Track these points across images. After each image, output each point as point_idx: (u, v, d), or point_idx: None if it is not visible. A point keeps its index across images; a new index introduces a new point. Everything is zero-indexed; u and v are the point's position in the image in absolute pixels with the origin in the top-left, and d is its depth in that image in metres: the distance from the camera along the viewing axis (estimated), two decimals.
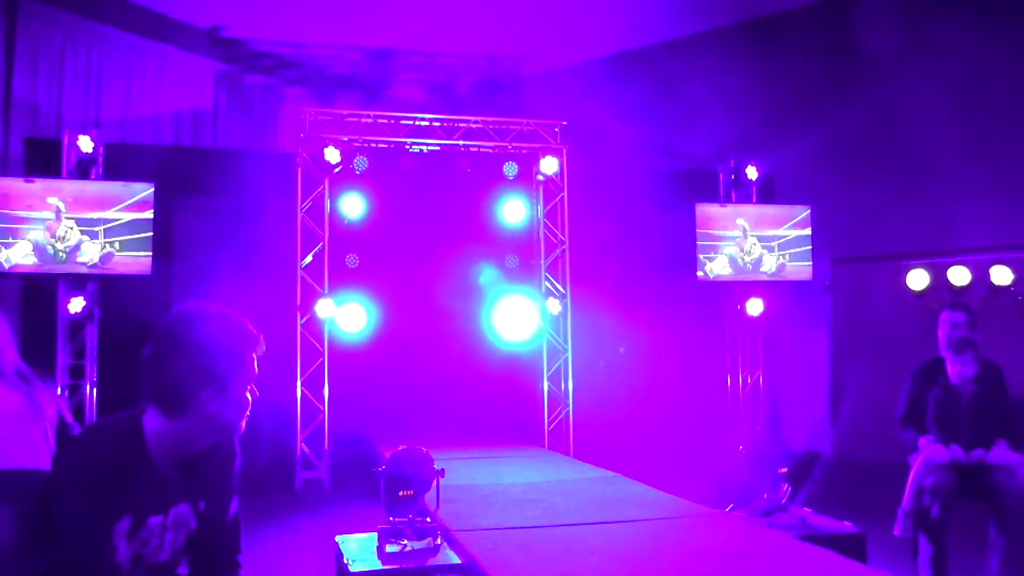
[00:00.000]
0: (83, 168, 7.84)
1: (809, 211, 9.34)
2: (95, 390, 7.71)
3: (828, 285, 9.81)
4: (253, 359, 2.14)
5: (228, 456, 2.29)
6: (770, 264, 9.19)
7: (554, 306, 8.77)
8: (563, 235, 8.96)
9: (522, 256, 9.05)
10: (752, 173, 9.39)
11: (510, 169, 8.70)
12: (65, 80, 9.32)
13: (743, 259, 9.12)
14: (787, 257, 9.25)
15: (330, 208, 8.40)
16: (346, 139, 8.35)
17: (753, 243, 9.15)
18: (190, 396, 2.03)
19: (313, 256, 8.31)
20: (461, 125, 8.73)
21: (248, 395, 2.14)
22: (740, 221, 9.15)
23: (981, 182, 8.76)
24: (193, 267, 8.18)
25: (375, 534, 3.69)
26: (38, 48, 9.08)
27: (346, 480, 8.12)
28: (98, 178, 7.84)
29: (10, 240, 7.36)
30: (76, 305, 7.54)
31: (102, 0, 9.46)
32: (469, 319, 8.77)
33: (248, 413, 2.16)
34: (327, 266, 8.35)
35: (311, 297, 8.20)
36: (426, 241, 8.81)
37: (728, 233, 9.10)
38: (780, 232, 9.26)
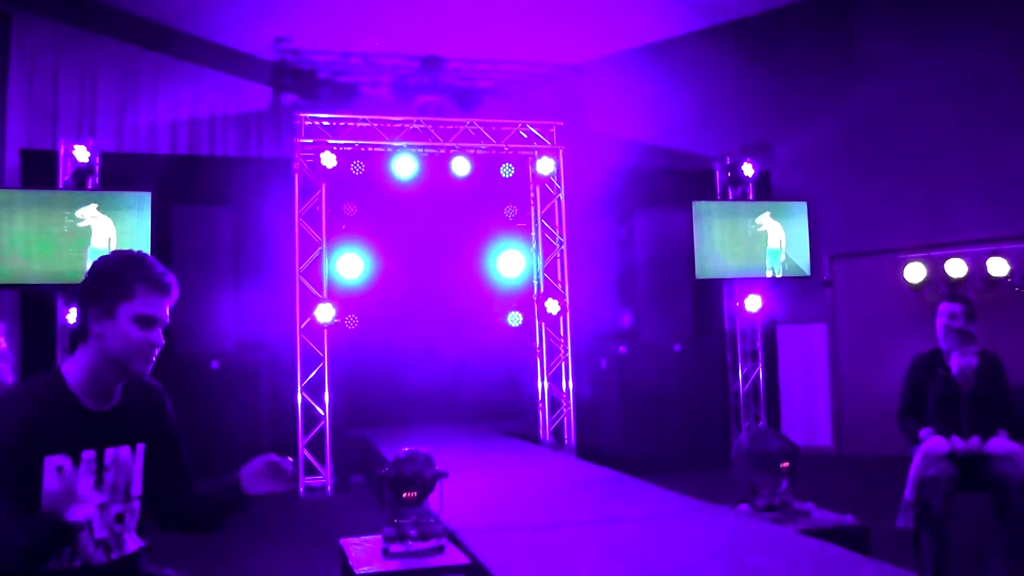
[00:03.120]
0: (80, 178, 7.84)
1: (806, 207, 9.35)
2: None
3: (826, 280, 9.83)
4: (151, 300, 2.23)
5: (158, 402, 2.44)
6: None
7: (553, 306, 8.78)
8: (560, 235, 8.98)
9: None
10: (749, 170, 9.39)
11: (507, 170, 8.72)
12: (60, 90, 9.32)
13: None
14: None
15: (327, 213, 8.41)
16: (342, 143, 8.36)
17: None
18: (84, 318, 2.21)
19: (312, 261, 8.33)
20: (458, 127, 8.75)
21: (137, 332, 2.21)
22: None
23: (977, 175, 8.79)
24: (192, 275, 8.19)
25: (380, 536, 3.69)
26: (33, 59, 9.08)
27: (349, 485, 8.15)
28: (95, 188, 7.84)
29: None
30: (74, 315, 7.54)
31: (96, 10, 9.46)
32: (471, 318, 8.79)
33: (143, 352, 2.23)
34: (326, 271, 8.35)
35: (310, 302, 8.21)
36: (423, 243, 8.83)
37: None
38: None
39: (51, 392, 2.18)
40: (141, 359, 2.25)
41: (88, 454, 2.19)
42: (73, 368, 2.23)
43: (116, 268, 2.24)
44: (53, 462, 2.11)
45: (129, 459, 2.31)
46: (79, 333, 2.24)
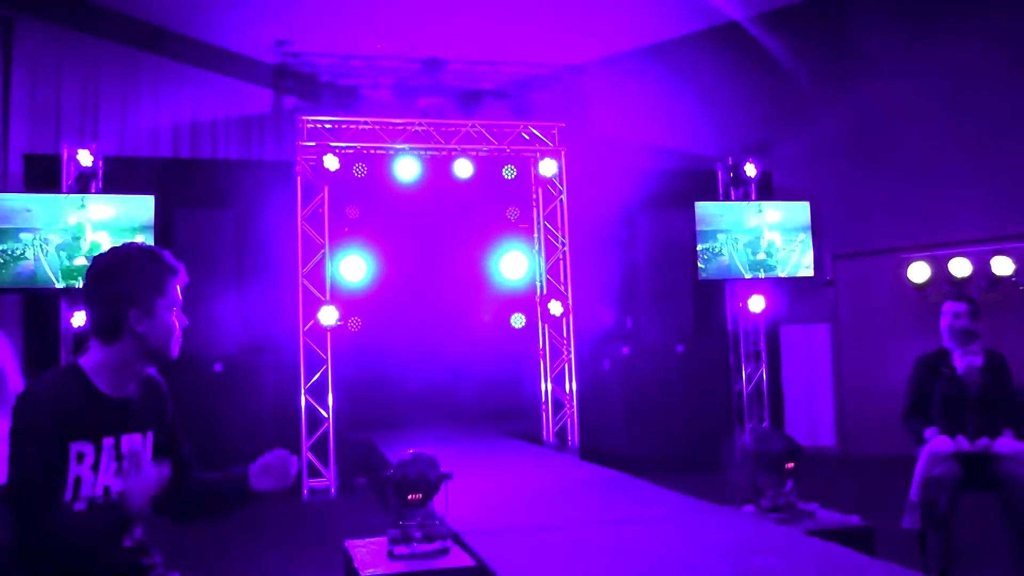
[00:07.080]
0: (83, 182, 7.85)
1: (809, 207, 9.34)
2: None
3: (829, 280, 9.82)
4: (175, 287, 2.39)
5: (163, 393, 2.53)
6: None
7: (556, 308, 8.77)
8: (563, 236, 8.97)
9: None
10: (751, 170, 9.39)
11: (509, 172, 8.71)
12: (63, 95, 9.33)
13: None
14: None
15: (330, 215, 8.41)
16: (344, 146, 8.36)
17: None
18: (121, 320, 2.27)
19: (315, 263, 8.32)
20: (459, 129, 8.74)
21: (175, 321, 2.37)
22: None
23: (980, 174, 8.77)
24: (195, 278, 8.16)
25: (385, 538, 3.69)
26: (35, 63, 9.09)
27: (353, 487, 8.15)
28: (98, 191, 7.86)
29: None
30: (79, 319, 7.55)
31: (98, 14, 9.46)
32: (474, 322, 8.78)
33: (178, 338, 2.39)
34: (328, 273, 8.35)
35: (313, 304, 8.20)
36: (426, 245, 8.83)
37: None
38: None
39: (73, 381, 2.25)
40: (176, 344, 2.39)
41: (108, 441, 2.27)
42: (101, 364, 2.29)
43: (142, 266, 2.32)
44: (76, 448, 2.19)
45: (140, 446, 2.37)
46: (105, 333, 2.28)
